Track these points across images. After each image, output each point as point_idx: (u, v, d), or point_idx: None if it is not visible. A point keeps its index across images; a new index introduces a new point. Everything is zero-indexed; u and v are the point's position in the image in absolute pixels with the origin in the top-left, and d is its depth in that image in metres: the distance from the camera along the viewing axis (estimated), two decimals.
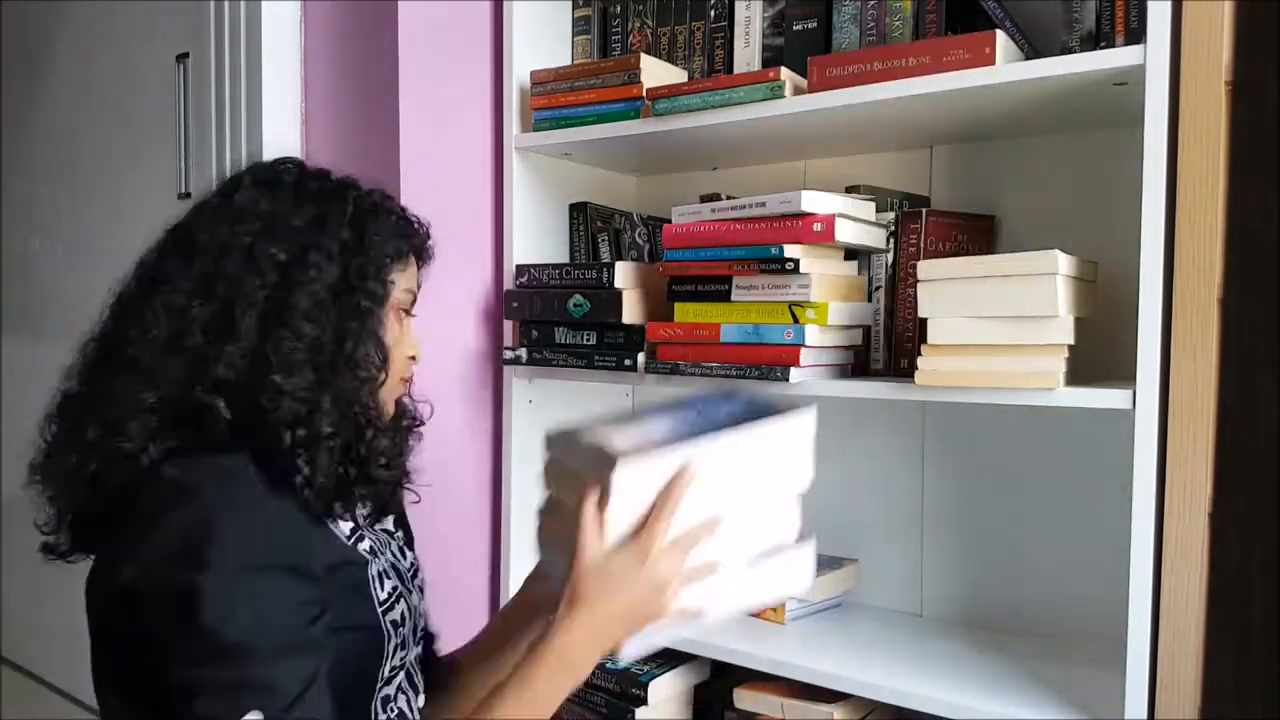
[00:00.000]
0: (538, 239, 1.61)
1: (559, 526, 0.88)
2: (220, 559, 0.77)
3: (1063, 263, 1.08)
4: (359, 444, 0.89)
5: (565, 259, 1.66)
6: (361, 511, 0.93)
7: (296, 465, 0.84)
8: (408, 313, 0.99)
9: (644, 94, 1.39)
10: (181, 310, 0.85)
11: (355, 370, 0.88)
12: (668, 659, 1.46)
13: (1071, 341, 1.09)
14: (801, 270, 1.23)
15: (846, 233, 1.25)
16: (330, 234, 0.90)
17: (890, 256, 1.34)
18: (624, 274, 1.42)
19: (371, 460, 0.89)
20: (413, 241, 0.99)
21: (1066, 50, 1.15)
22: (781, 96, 1.27)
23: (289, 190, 0.92)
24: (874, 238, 1.31)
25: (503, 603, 1.58)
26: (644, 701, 1.40)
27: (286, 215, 0.89)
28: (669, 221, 1.37)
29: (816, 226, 1.23)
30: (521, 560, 1.56)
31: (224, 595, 0.76)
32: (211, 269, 0.86)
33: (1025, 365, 1.10)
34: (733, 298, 1.31)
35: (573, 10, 1.64)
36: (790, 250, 1.23)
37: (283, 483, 0.84)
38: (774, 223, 1.25)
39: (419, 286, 1.01)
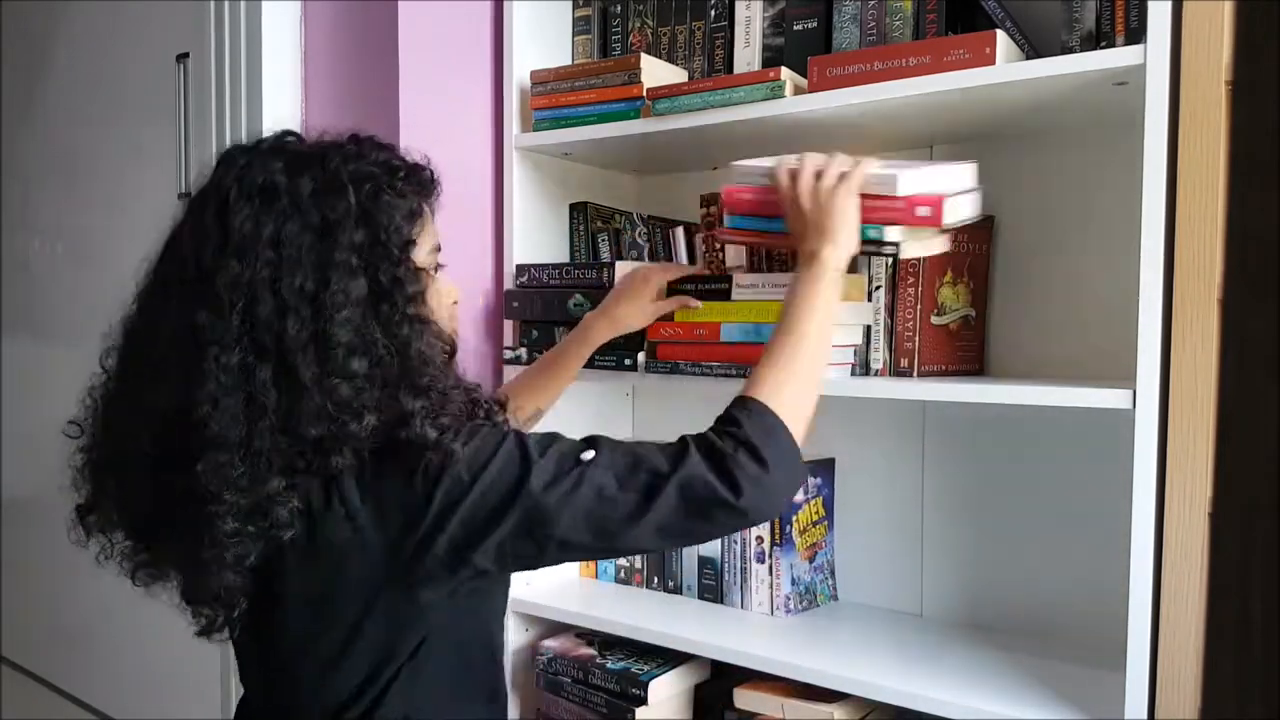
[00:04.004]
0: (538, 239, 1.61)
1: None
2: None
3: None
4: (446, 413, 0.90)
5: (565, 259, 1.66)
6: None
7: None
8: (437, 268, 0.96)
9: (644, 94, 1.39)
10: (242, 369, 0.82)
11: (425, 368, 0.87)
12: (668, 659, 1.46)
13: None
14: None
15: (955, 213, 1.10)
16: (344, 243, 0.85)
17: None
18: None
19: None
20: (423, 193, 0.95)
21: (1066, 50, 1.15)
22: (782, 96, 1.27)
23: (285, 199, 0.85)
24: (974, 206, 1.15)
25: None
26: (644, 701, 1.40)
27: (295, 235, 0.84)
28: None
29: (922, 210, 1.08)
30: None
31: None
32: (249, 320, 0.82)
33: None
34: (733, 296, 1.31)
35: (573, 10, 1.64)
36: (891, 233, 1.09)
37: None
38: (869, 200, 1.08)
39: (435, 227, 0.97)
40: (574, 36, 1.64)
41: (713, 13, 1.49)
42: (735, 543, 1.49)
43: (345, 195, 0.86)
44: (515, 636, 1.57)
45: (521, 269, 1.53)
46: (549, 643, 1.55)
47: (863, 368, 1.36)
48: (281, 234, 0.84)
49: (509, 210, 1.56)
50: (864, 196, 1.07)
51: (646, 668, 1.45)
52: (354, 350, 0.83)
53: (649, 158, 1.63)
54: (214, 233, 0.85)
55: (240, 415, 0.81)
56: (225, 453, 0.81)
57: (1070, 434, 1.34)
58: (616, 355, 1.41)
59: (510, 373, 1.56)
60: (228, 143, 1.63)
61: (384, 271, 0.86)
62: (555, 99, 1.48)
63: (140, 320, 0.91)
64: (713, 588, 1.52)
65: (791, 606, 1.46)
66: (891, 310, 1.34)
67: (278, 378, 0.82)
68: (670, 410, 1.75)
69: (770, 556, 1.45)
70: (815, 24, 1.39)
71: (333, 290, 0.83)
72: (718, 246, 1.46)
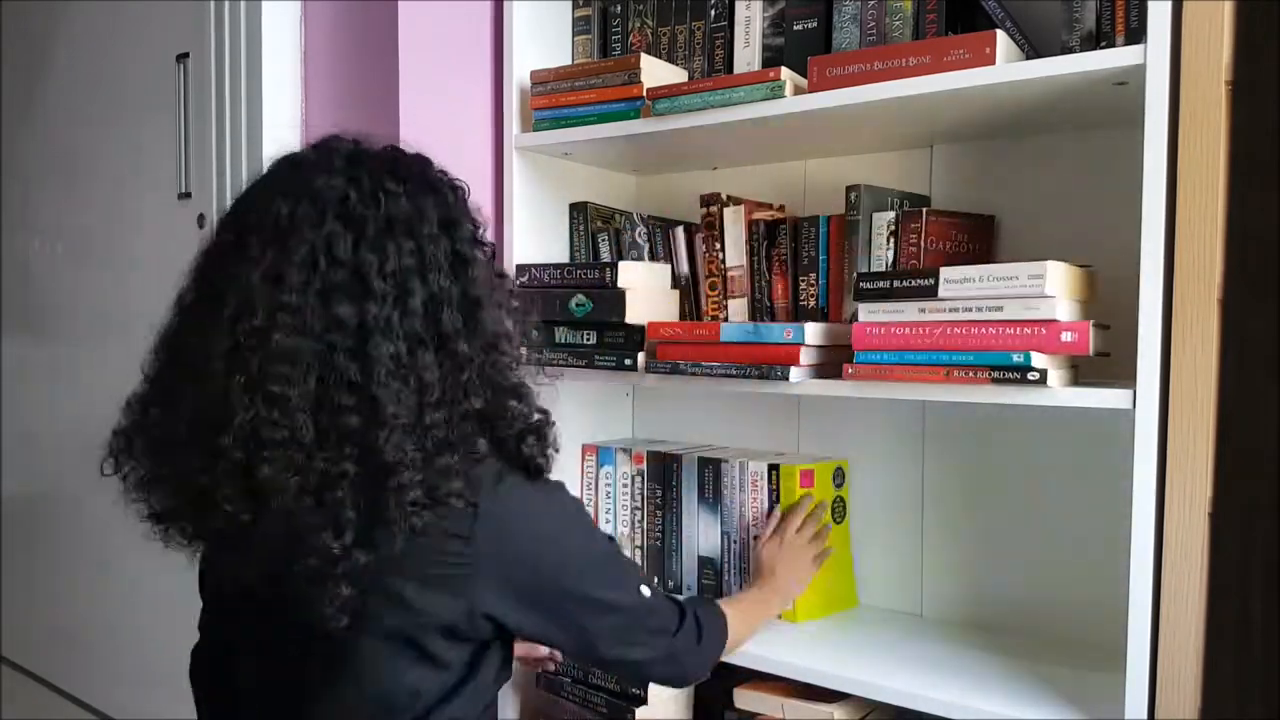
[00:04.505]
0: (538, 239, 1.61)
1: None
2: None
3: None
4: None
5: (565, 259, 1.66)
6: None
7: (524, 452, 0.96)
8: None
9: (644, 94, 1.39)
10: (409, 351, 0.88)
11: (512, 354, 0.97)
12: None
13: None
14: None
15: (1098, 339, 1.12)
16: (462, 236, 0.95)
17: (890, 255, 1.34)
18: (627, 274, 1.42)
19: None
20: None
21: (1067, 50, 1.15)
22: (781, 96, 1.27)
23: (403, 204, 0.93)
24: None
25: None
26: (644, 701, 1.40)
27: (426, 234, 0.92)
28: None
29: (1067, 336, 1.09)
30: None
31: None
32: (400, 309, 0.89)
33: None
34: (940, 294, 1.23)
35: (573, 10, 1.64)
36: (1038, 360, 1.09)
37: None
38: (1008, 327, 1.11)
39: None
40: (574, 36, 1.64)
41: (713, 13, 1.49)
42: (735, 542, 1.49)
43: (442, 193, 0.96)
44: None
45: (522, 269, 1.53)
46: None
47: None
48: (415, 230, 0.92)
49: (509, 210, 1.57)
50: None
51: None
52: (497, 329, 0.94)
53: (649, 158, 1.63)
54: (341, 234, 0.89)
55: (409, 395, 0.87)
56: (399, 432, 0.86)
57: (1070, 434, 1.34)
58: (617, 355, 1.41)
59: None
60: (228, 143, 1.63)
61: (482, 266, 0.97)
62: (555, 99, 1.48)
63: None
64: (713, 587, 1.52)
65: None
66: None
67: (440, 358, 0.90)
68: (670, 410, 1.75)
69: None
70: (815, 24, 1.39)
71: (472, 278, 0.93)
72: (717, 246, 1.46)
